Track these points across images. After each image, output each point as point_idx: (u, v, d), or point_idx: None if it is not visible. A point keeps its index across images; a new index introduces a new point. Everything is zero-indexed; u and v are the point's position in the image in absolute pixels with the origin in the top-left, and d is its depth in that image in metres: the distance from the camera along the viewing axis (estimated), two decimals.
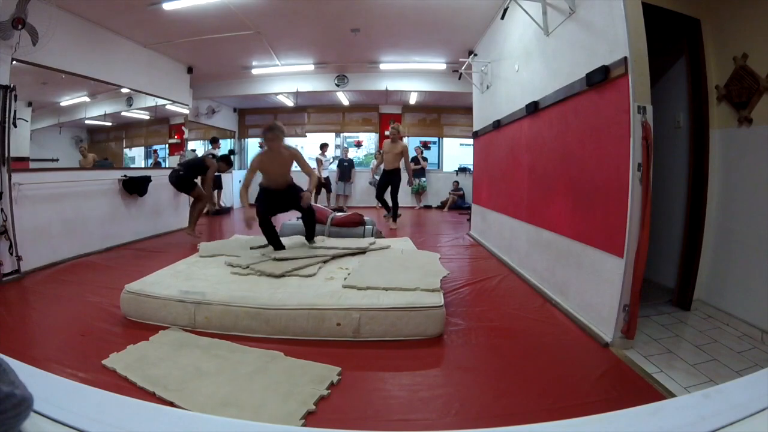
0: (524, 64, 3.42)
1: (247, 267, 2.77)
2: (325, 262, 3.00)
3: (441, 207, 8.72)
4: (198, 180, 5.00)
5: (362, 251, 3.33)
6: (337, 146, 9.65)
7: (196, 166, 4.95)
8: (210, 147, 7.68)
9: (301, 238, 3.62)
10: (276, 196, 3.35)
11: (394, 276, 2.56)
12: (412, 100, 8.46)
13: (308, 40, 5.45)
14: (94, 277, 3.34)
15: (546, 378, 1.80)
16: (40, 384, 0.47)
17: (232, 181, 8.74)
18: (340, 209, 5.89)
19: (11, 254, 3.19)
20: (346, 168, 8.67)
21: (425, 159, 8.92)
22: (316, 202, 6.24)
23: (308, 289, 2.41)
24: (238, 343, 2.07)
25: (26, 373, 0.41)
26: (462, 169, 8.94)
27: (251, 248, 3.38)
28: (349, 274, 2.67)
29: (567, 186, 2.64)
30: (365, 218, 4.32)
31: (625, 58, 1.97)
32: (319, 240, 3.64)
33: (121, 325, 2.32)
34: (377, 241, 3.78)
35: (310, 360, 1.89)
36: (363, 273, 2.65)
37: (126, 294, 2.39)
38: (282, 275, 2.63)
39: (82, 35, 4.09)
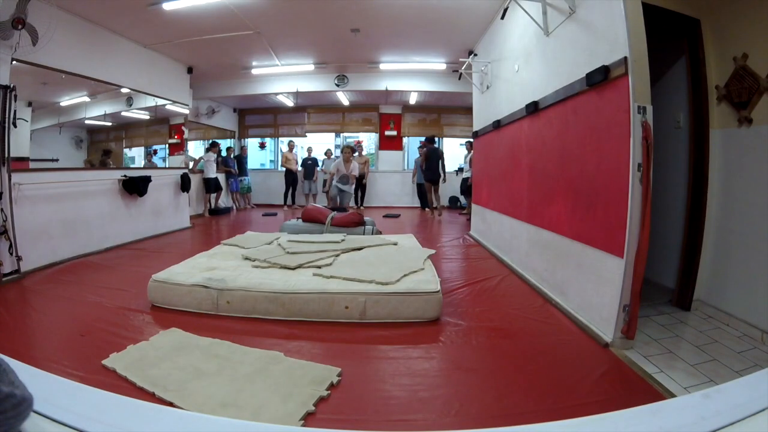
0: (524, 64, 3.42)
1: (265, 260, 2.94)
2: (336, 256, 3.12)
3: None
4: None
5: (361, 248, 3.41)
6: (337, 146, 9.68)
7: None
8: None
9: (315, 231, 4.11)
10: None
11: (373, 269, 2.66)
12: (412, 100, 8.46)
13: (308, 40, 5.45)
14: (94, 277, 3.35)
15: (546, 378, 1.79)
16: (40, 384, 0.47)
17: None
18: (342, 209, 5.87)
19: (11, 254, 3.19)
20: (310, 167, 8.63)
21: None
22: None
23: (319, 277, 2.58)
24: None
25: (26, 373, 0.41)
26: (462, 169, 8.92)
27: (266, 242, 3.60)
28: (328, 265, 2.83)
29: (567, 186, 2.64)
30: (365, 218, 4.33)
31: (625, 58, 1.97)
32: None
33: (121, 325, 2.32)
34: (382, 236, 3.91)
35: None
36: (339, 267, 2.80)
37: (153, 282, 2.57)
38: (297, 267, 2.80)
39: (82, 35, 4.09)
